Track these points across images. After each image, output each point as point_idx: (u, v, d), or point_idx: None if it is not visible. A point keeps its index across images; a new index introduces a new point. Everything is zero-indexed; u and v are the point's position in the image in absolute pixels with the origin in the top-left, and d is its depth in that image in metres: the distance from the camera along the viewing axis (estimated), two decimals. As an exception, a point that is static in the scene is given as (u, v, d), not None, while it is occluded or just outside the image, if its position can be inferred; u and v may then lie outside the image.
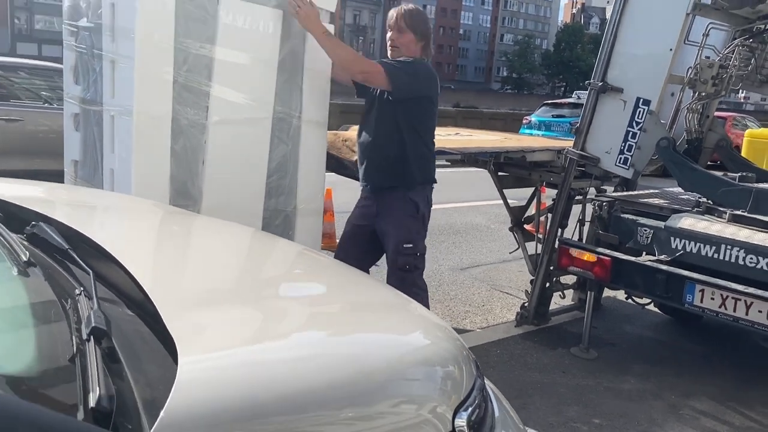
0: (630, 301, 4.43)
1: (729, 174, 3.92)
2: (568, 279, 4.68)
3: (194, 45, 2.79)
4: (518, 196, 4.95)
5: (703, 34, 3.77)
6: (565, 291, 4.67)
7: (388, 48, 3.33)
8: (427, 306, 3.47)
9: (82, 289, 1.08)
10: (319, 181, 3.46)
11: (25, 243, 1.33)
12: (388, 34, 3.33)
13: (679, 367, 3.97)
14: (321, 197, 3.53)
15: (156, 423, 0.80)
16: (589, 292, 4.05)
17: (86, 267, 1.16)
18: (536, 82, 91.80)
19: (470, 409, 1.17)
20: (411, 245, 3.31)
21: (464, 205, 8.41)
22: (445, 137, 4.97)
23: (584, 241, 4.26)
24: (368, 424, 1.07)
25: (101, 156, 2.99)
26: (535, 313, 4.42)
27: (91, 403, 0.80)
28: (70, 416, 0.80)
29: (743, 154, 6.73)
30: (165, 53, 2.70)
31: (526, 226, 4.91)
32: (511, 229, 4.92)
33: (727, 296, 3.18)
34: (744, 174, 3.76)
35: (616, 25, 3.87)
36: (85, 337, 0.91)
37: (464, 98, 62.82)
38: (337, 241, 6.08)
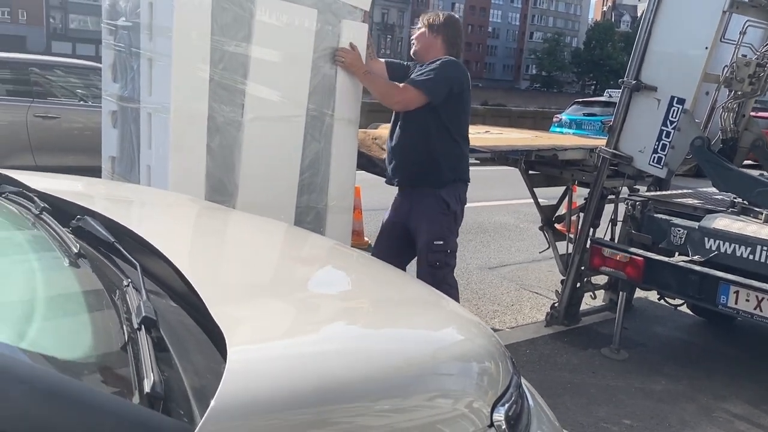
0: (662, 302, 4.38)
1: (766, 174, 3.86)
2: (599, 279, 4.65)
3: (230, 43, 2.83)
4: (547, 195, 4.92)
5: (740, 32, 3.70)
6: (596, 291, 4.63)
7: (414, 42, 3.40)
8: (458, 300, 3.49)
9: (129, 281, 1.12)
10: (349, 179, 3.48)
11: (72, 236, 1.37)
12: (419, 32, 3.37)
13: (711, 370, 3.92)
14: (351, 195, 3.56)
15: (208, 410, 0.82)
16: (620, 293, 4.02)
17: (133, 260, 1.20)
18: (566, 81, 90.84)
19: (507, 404, 1.18)
20: (442, 242, 3.33)
21: (493, 204, 8.37)
22: (476, 135, 4.95)
23: (616, 241, 4.22)
24: (403, 416, 1.09)
25: (138, 152, 3.05)
26: (566, 314, 4.39)
27: (146, 388, 0.83)
28: (126, 400, 0.83)
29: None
30: (201, 51, 2.75)
31: (557, 226, 4.88)
32: (541, 229, 4.89)
33: (763, 298, 3.13)
34: (781, 174, 3.69)
35: (650, 23, 3.83)
36: (135, 326, 0.95)
37: (492, 96, 62.40)
38: (366, 238, 6.16)
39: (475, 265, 5.82)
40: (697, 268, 3.36)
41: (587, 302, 4.67)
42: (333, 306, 1.37)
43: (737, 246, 3.32)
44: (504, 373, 1.24)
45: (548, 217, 4.83)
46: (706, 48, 3.60)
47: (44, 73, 7.71)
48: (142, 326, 0.93)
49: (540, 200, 4.82)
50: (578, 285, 4.41)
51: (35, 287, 1.18)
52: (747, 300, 3.19)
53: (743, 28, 3.71)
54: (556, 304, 4.44)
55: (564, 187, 4.79)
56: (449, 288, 3.39)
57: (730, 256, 3.35)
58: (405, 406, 1.11)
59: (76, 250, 1.21)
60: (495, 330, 4.33)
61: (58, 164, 6.61)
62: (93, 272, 1.19)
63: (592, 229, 4.29)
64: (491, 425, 1.13)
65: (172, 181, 2.78)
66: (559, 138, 5.25)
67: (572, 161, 4.49)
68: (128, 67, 3.11)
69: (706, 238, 3.44)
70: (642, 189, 4.65)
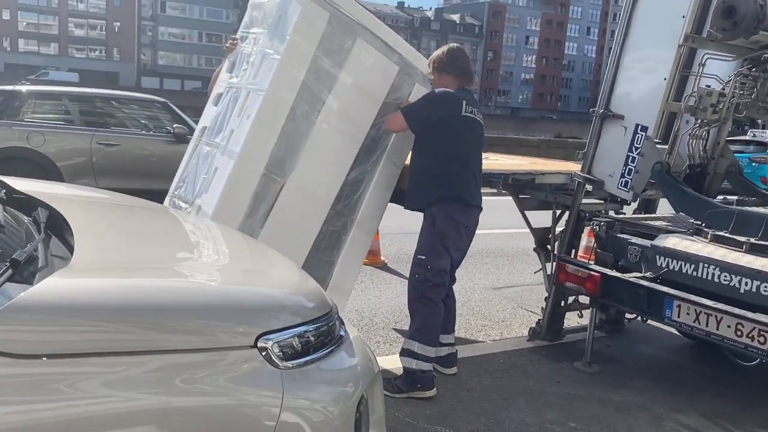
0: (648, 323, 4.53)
1: (738, 199, 4.03)
2: (588, 299, 4.84)
3: (327, 62, 3.51)
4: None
5: (700, 64, 3.94)
6: (583, 311, 4.83)
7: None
8: (437, 319, 3.69)
9: (34, 240, 1.63)
10: (380, 207, 4.00)
11: (28, 217, 1.93)
12: (432, 77, 3.82)
13: (679, 386, 4.06)
14: (378, 221, 4.05)
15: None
16: (592, 309, 4.23)
17: (45, 231, 1.72)
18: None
19: (282, 339, 1.63)
20: (423, 257, 3.67)
21: (520, 231, 8.56)
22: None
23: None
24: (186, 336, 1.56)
25: (228, 121, 3.68)
26: (548, 329, 4.62)
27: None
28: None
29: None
30: (304, 59, 3.43)
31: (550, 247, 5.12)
32: (535, 250, 5.15)
33: (700, 311, 3.32)
34: (742, 198, 3.87)
35: (618, 56, 4.11)
36: (8, 263, 1.45)
37: (566, 129, 61.46)
38: (382, 258, 6.53)
39: (482, 285, 6.10)
40: (645, 283, 3.58)
41: (577, 321, 4.88)
42: (170, 263, 1.89)
43: (683, 263, 3.52)
44: (286, 320, 1.69)
45: (541, 238, 5.09)
46: (665, 79, 3.86)
47: (107, 104, 8.60)
48: (9, 263, 1.44)
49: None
50: (562, 303, 4.64)
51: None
52: (687, 313, 3.39)
53: (702, 60, 3.95)
54: (540, 320, 4.68)
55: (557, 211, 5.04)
56: (428, 302, 3.65)
57: (677, 272, 3.55)
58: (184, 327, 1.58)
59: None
60: (476, 342, 4.63)
61: (117, 187, 7.34)
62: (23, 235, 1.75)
63: (573, 250, 4.53)
64: (254, 347, 1.57)
65: (246, 143, 3.39)
66: (550, 164, 5.49)
67: (558, 186, 4.76)
68: (243, 62, 3.80)
69: (657, 256, 3.66)
70: (629, 212, 4.86)
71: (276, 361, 1.58)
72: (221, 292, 1.73)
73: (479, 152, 3.84)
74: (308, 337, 1.68)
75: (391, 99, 3.77)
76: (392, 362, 4.10)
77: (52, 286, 1.44)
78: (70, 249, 1.70)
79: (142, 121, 8.69)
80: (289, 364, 1.61)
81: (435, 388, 3.61)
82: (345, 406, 1.68)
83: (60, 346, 1.36)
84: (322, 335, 1.74)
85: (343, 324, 1.90)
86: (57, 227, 1.88)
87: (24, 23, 61.88)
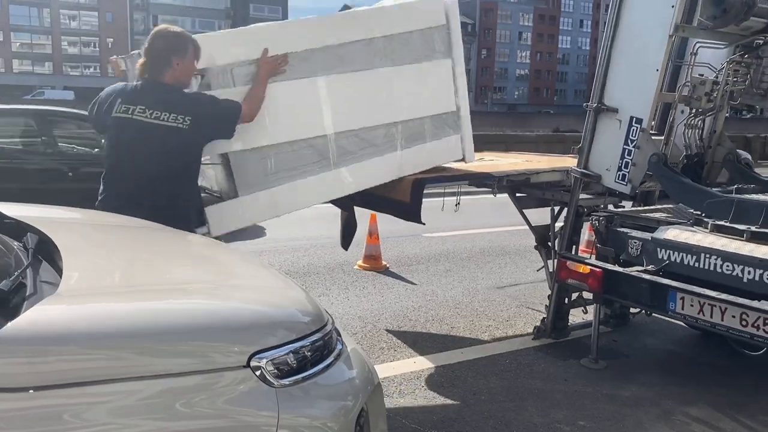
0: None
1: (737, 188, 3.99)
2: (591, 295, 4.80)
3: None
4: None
5: (691, 53, 3.91)
6: (587, 306, 4.79)
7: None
8: None
9: (20, 270, 1.61)
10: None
11: (18, 243, 1.90)
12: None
13: (687, 378, 4.02)
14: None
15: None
16: (596, 305, 4.20)
17: (31, 257, 1.69)
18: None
19: (275, 357, 1.60)
20: None
21: (522, 229, 8.54)
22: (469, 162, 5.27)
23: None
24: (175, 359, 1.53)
25: None
26: (553, 327, 4.59)
27: None
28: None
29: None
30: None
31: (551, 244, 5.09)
32: (536, 248, 5.12)
33: (704, 303, 3.29)
34: (741, 186, 3.84)
35: (608, 49, 4.08)
36: None
37: (564, 122, 61.44)
38: (383, 262, 6.50)
39: (485, 285, 6.06)
40: (647, 276, 3.54)
41: (582, 317, 4.84)
42: (155, 282, 1.88)
43: (685, 255, 3.49)
44: (280, 336, 1.66)
45: (541, 236, 5.06)
46: (657, 70, 3.83)
47: None
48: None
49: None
50: (565, 300, 4.61)
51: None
52: (691, 305, 3.35)
53: (694, 49, 3.92)
54: (545, 319, 4.65)
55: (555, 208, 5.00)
56: None
57: (679, 264, 3.52)
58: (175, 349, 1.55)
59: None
60: (482, 342, 4.59)
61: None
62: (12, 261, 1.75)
63: (574, 246, 4.50)
64: (248, 366, 1.55)
65: None
66: (545, 161, 5.45)
67: (553, 183, 4.73)
68: None
69: (658, 249, 3.62)
70: (628, 205, 4.82)
71: (270, 379, 1.56)
72: (213, 312, 1.70)
73: (136, 164, 3.01)
74: (304, 352, 1.66)
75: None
76: (396, 368, 4.08)
77: (38, 315, 1.42)
78: (61, 273, 1.68)
79: None
80: (285, 381, 1.59)
81: None
82: (345, 421, 1.65)
83: (50, 377, 1.34)
84: (319, 350, 1.72)
85: (340, 336, 1.88)
86: (47, 252, 1.86)
87: (17, 44, 62.03)
